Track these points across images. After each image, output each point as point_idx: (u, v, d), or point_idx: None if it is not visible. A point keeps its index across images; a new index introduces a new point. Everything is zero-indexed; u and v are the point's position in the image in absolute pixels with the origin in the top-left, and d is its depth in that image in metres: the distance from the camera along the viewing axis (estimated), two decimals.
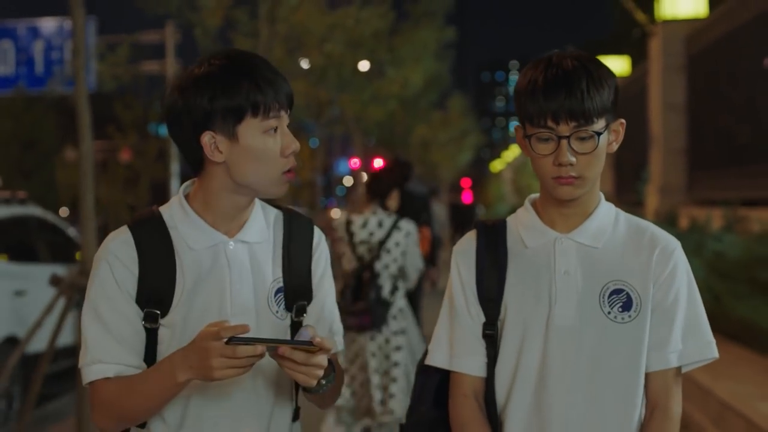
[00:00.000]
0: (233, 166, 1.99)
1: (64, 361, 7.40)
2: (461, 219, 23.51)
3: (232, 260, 2.04)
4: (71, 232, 9.23)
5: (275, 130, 1.99)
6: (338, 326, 2.21)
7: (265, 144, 1.98)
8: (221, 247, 2.04)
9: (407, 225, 5.43)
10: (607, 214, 2.16)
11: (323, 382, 1.95)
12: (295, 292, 2.11)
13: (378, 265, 5.33)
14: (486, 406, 2.17)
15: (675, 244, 2.14)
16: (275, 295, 2.08)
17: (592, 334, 2.08)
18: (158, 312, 1.99)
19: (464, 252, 2.21)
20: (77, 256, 8.94)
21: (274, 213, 2.16)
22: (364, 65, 17.26)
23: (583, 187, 2.08)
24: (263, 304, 2.06)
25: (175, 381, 1.87)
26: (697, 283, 2.16)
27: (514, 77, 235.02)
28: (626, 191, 16.17)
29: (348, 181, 46.94)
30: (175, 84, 2.02)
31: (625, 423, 2.09)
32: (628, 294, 2.09)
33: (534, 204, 2.20)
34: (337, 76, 14.57)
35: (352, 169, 43.37)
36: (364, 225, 5.41)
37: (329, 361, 1.94)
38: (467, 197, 43.02)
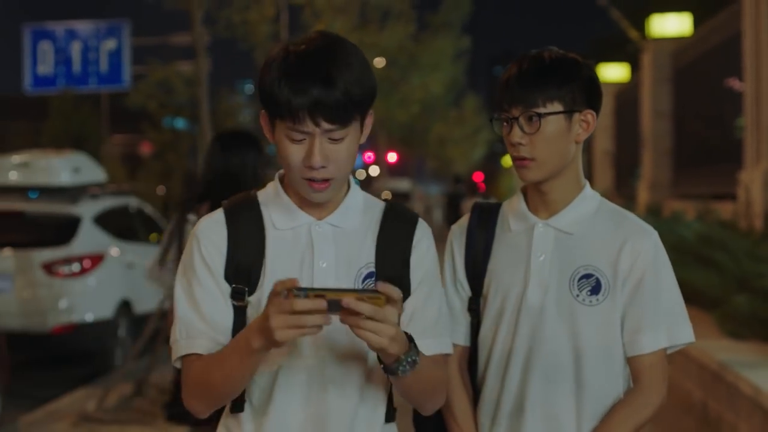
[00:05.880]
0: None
1: None
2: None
3: (316, 242, 1.97)
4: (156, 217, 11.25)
5: (303, 140, 1.87)
6: (438, 330, 2.02)
7: (287, 148, 1.89)
8: (306, 228, 1.99)
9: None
10: (588, 203, 2.24)
11: (402, 357, 1.79)
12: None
13: None
14: (470, 372, 2.31)
15: (650, 233, 2.21)
16: (363, 281, 1.98)
17: (561, 315, 2.18)
18: (245, 288, 1.94)
19: (458, 230, 2.35)
20: (152, 237, 10.91)
21: (374, 203, 2.08)
22: (380, 61, 18.81)
23: (539, 170, 2.17)
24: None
25: (250, 348, 1.79)
26: None
27: None
28: (623, 187, 17.98)
29: (361, 174, 47.49)
30: None
31: (589, 401, 2.18)
32: (597, 279, 2.17)
33: (524, 190, 2.31)
34: None
35: (366, 162, 44.44)
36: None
37: (415, 346, 1.82)
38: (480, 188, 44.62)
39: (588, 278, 2.18)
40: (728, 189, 11.10)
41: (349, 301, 1.70)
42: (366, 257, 2.01)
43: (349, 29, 14.55)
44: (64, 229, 8.95)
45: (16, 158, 9.84)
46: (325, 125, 1.86)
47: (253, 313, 1.94)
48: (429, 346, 1.97)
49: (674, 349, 2.21)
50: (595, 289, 2.17)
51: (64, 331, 8.58)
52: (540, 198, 2.25)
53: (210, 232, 1.99)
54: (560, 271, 2.20)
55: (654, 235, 2.21)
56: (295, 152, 1.89)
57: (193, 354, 1.94)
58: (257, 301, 1.95)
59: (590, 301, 2.17)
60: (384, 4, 15.11)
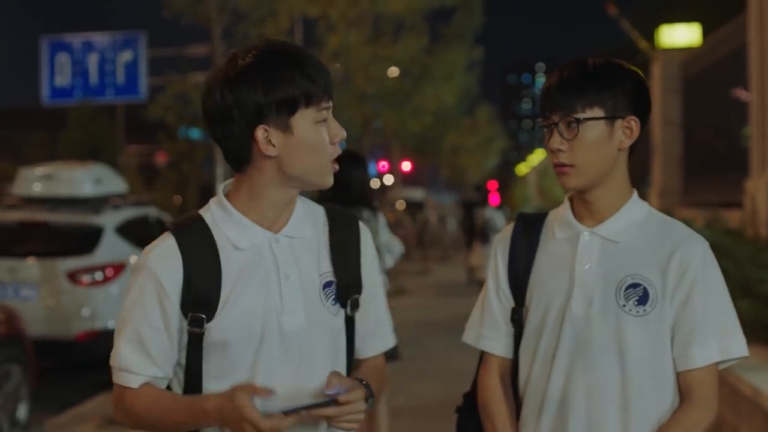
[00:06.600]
0: (286, 158, 1.93)
1: None
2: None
3: (279, 256, 1.98)
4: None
5: (325, 119, 1.95)
6: (386, 320, 2.16)
7: (318, 134, 1.94)
8: (266, 244, 1.98)
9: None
10: (636, 211, 2.17)
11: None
12: (348, 286, 2.04)
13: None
14: (513, 384, 2.26)
15: (701, 242, 2.14)
16: (324, 289, 2.01)
17: (606, 325, 2.11)
18: (204, 316, 1.92)
19: (502, 239, 2.31)
20: None
21: (315, 208, 2.11)
22: (394, 71, 19.07)
23: (579, 177, 2.13)
24: (314, 299, 2.00)
25: (204, 421, 1.88)
26: None
27: (540, 80, 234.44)
28: None
29: (375, 183, 47.46)
30: (218, 79, 1.92)
31: (637, 416, 2.10)
32: (645, 288, 2.10)
33: (570, 199, 2.25)
34: (379, 94, 16.58)
35: (380, 171, 44.63)
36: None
37: (363, 384, 1.94)
38: (494, 198, 44.71)
39: (635, 288, 2.11)
40: (736, 197, 11.25)
41: (312, 413, 1.86)
42: (324, 266, 2.04)
43: (363, 41, 14.76)
44: (87, 239, 9.22)
45: (40, 170, 10.13)
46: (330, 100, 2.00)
47: (216, 336, 1.94)
48: (376, 346, 2.14)
49: (727, 364, 2.14)
50: (643, 299, 2.11)
51: (87, 338, 8.83)
52: (585, 207, 2.20)
53: (163, 262, 1.95)
54: (606, 281, 2.14)
55: (704, 244, 2.15)
56: (325, 134, 1.95)
57: (129, 387, 1.97)
58: (219, 327, 1.94)
59: (637, 312, 2.10)
60: (397, 17, 15.34)
